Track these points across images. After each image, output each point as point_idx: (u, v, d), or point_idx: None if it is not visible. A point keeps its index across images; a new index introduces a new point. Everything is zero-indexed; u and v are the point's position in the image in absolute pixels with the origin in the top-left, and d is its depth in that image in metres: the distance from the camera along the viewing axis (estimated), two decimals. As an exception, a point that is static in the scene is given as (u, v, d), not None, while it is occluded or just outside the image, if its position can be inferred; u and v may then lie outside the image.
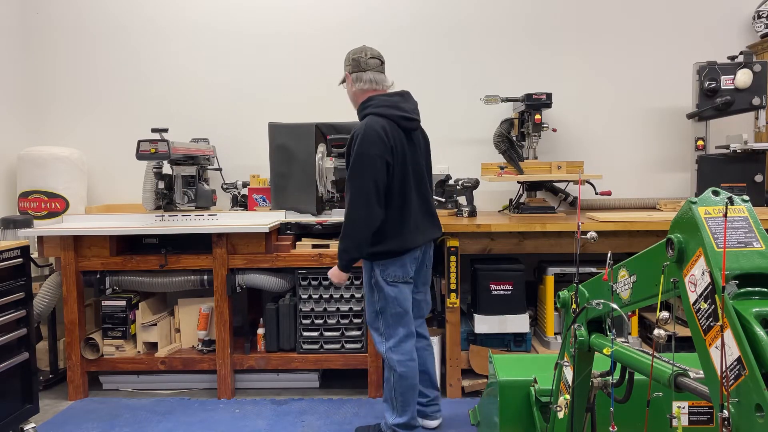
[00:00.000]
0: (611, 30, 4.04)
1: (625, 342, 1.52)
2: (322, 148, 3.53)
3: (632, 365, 1.44)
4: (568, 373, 1.71)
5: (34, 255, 3.40)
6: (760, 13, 3.81)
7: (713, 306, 1.13)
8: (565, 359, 1.75)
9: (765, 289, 1.14)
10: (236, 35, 4.15)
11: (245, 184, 3.95)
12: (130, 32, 4.19)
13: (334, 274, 2.69)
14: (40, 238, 3.41)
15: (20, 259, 2.81)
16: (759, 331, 1.05)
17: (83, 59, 4.22)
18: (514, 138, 3.79)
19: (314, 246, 3.39)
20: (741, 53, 3.55)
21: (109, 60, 4.21)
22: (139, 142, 3.42)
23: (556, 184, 3.96)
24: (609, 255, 1.52)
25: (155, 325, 3.56)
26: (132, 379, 3.57)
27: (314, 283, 3.39)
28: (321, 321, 3.41)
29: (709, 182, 3.28)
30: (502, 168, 3.65)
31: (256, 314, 3.77)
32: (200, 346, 3.53)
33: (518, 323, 3.29)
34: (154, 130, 3.45)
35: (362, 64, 2.70)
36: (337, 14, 4.11)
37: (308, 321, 3.41)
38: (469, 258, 3.47)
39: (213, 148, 3.99)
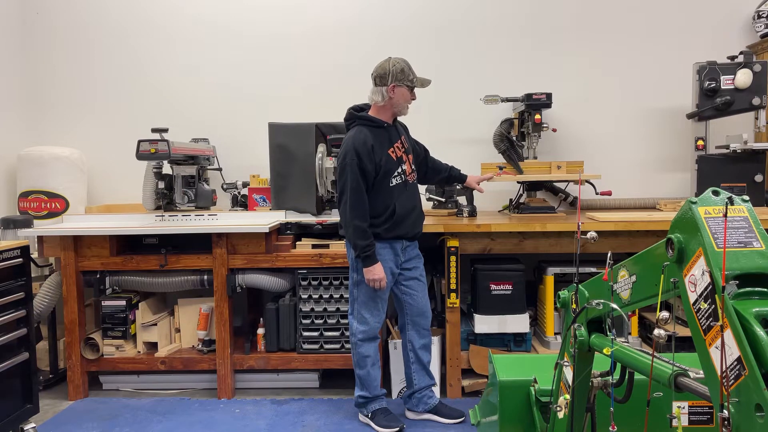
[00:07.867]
0: (611, 30, 4.04)
1: (625, 342, 1.51)
2: (322, 148, 3.53)
3: (632, 365, 1.44)
4: (568, 373, 1.70)
5: (34, 255, 3.40)
6: (760, 13, 3.81)
7: (713, 306, 1.13)
8: (565, 359, 1.74)
9: (765, 289, 1.14)
10: (236, 35, 4.15)
11: (245, 184, 3.95)
12: (130, 32, 4.19)
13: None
14: (40, 238, 3.41)
15: (20, 259, 2.81)
16: (759, 331, 1.05)
17: (83, 59, 4.22)
18: (514, 138, 3.79)
19: (314, 246, 3.39)
20: (741, 53, 3.55)
21: (109, 60, 4.21)
22: (139, 142, 3.42)
23: (556, 184, 3.95)
24: (609, 255, 1.52)
25: (155, 325, 3.56)
26: (132, 379, 3.57)
27: (314, 283, 3.39)
28: (321, 321, 3.41)
29: (709, 182, 3.28)
30: (501, 168, 3.65)
31: (256, 314, 3.77)
32: (200, 346, 3.53)
33: (518, 323, 3.29)
34: (154, 130, 3.46)
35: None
36: (337, 14, 4.11)
37: (308, 321, 3.41)
38: (469, 258, 3.47)
39: (213, 148, 3.99)
